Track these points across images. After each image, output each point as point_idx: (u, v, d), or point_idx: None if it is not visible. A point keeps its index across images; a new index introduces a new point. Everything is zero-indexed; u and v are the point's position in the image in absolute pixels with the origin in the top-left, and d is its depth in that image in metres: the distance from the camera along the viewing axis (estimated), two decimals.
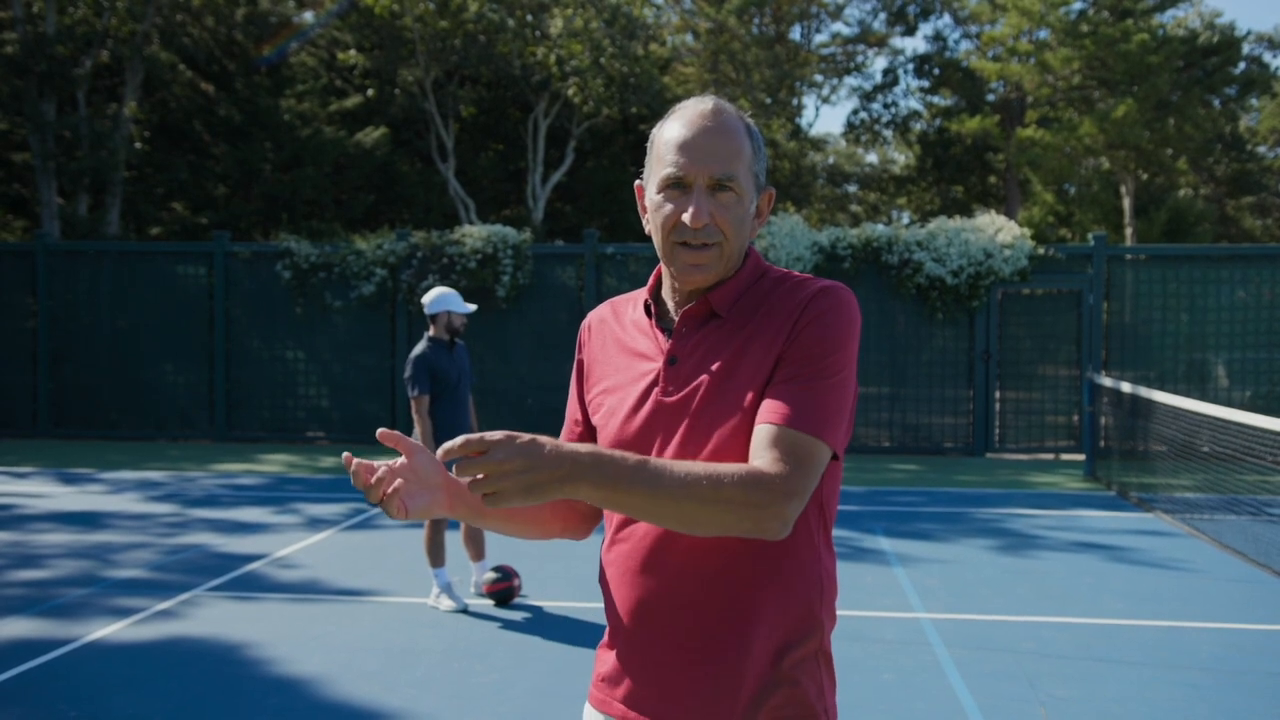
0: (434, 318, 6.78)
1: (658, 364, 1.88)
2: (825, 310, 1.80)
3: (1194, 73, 26.52)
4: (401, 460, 1.78)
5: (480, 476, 1.55)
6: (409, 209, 25.05)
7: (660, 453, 1.82)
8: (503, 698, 5.03)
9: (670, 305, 1.94)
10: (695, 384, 1.83)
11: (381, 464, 1.76)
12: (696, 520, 1.65)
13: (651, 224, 1.89)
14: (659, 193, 1.86)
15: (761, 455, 1.70)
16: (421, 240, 14.88)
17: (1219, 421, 8.87)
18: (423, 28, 22.38)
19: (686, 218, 1.81)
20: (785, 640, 1.81)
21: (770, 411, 1.73)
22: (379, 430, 1.74)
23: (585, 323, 2.08)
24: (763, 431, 1.72)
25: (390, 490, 1.74)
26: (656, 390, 1.86)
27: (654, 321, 1.94)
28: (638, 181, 1.96)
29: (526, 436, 1.58)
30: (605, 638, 1.96)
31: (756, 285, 1.89)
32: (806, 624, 1.83)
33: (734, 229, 1.84)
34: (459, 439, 1.55)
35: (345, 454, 1.75)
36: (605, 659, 1.94)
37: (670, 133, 1.86)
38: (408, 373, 6.64)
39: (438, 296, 6.81)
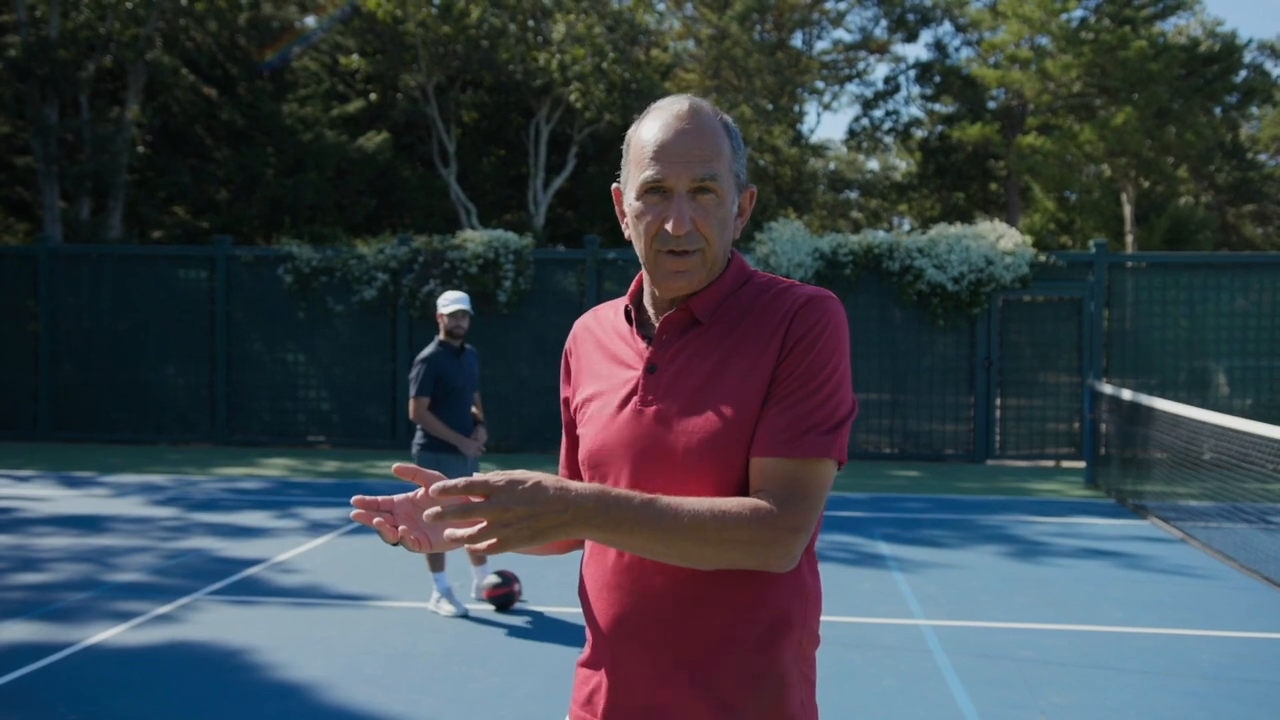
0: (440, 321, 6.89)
1: (637, 372, 1.84)
2: (813, 325, 1.77)
3: (1195, 80, 26.52)
4: (419, 492, 1.78)
5: (483, 524, 1.53)
6: (410, 214, 25.08)
7: (639, 461, 1.79)
8: (502, 703, 5.03)
9: (651, 311, 1.90)
10: (674, 393, 1.79)
11: (383, 498, 1.75)
12: (703, 558, 1.65)
13: (633, 231, 1.85)
14: (638, 199, 1.81)
15: (764, 489, 1.70)
16: (423, 245, 14.90)
17: (1220, 429, 8.87)
18: (425, 33, 22.41)
19: (669, 226, 1.77)
20: (767, 654, 1.77)
21: (769, 442, 1.72)
22: (395, 466, 1.70)
23: (572, 332, 2.04)
24: (763, 465, 1.72)
25: (400, 530, 1.72)
26: (635, 399, 1.82)
27: (634, 328, 1.90)
28: (615, 185, 1.92)
29: (530, 480, 1.55)
30: (585, 654, 1.90)
31: (740, 291, 1.85)
32: (788, 637, 1.79)
33: (716, 233, 1.80)
34: (460, 480, 1.52)
35: (354, 499, 1.73)
36: (584, 677, 1.89)
37: (647, 135, 1.81)
38: (412, 373, 6.69)
39: (439, 300, 6.90)
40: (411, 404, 6.65)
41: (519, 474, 1.55)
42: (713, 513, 1.63)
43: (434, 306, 14.62)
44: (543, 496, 1.54)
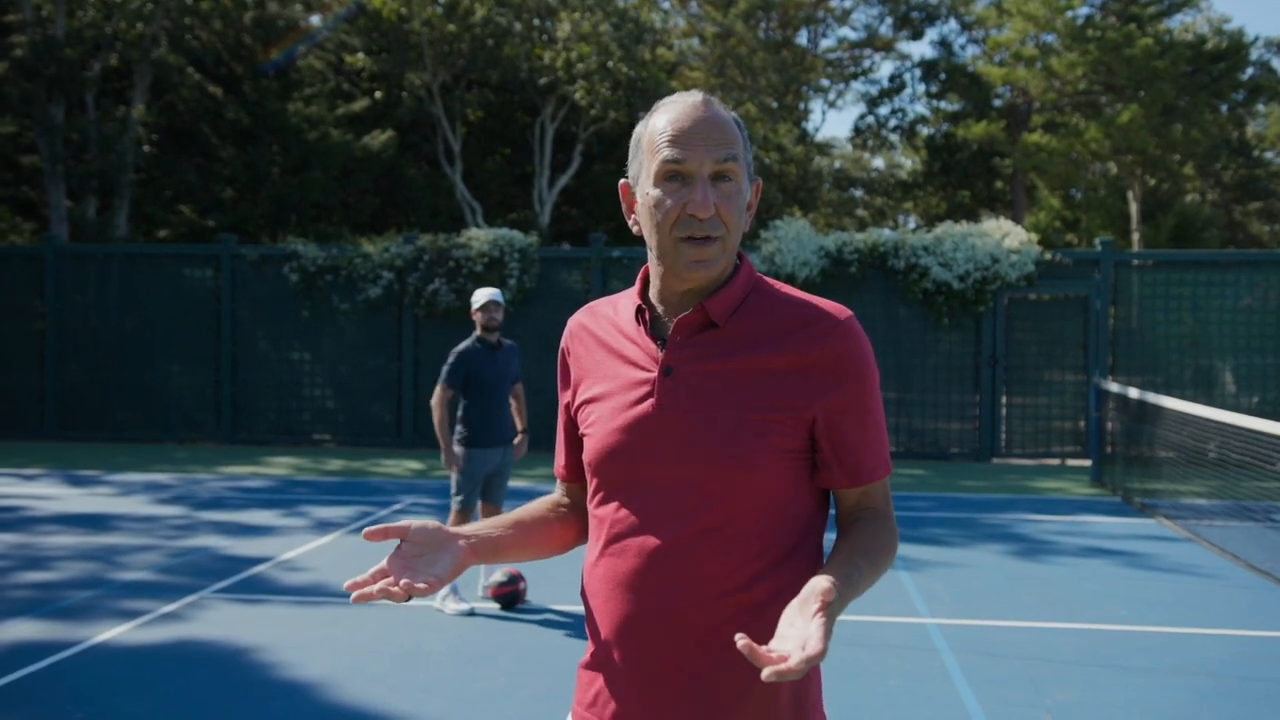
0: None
1: (650, 373, 1.81)
2: (860, 351, 1.80)
3: (1201, 78, 26.45)
4: (403, 544, 1.72)
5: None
6: (416, 212, 25.09)
7: (654, 464, 1.78)
8: (508, 702, 5.04)
9: (660, 309, 1.86)
10: (693, 396, 1.77)
11: (372, 573, 1.68)
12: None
13: (646, 222, 1.81)
14: (656, 185, 1.78)
15: (874, 509, 1.88)
16: (428, 243, 14.91)
17: (1226, 427, 8.86)
18: (430, 32, 22.43)
19: (693, 208, 1.74)
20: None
21: (868, 470, 1.85)
22: (365, 531, 1.67)
23: (566, 331, 2.00)
24: (868, 490, 1.87)
25: (396, 585, 1.64)
26: (651, 401, 1.79)
27: (644, 328, 1.86)
28: (623, 180, 1.88)
29: (825, 627, 1.53)
30: (587, 656, 1.88)
31: (752, 296, 1.83)
32: None
33: (735, 221, 1.78)
34: (799, 658, 1.48)
35: (349, 584, 1.67)
36: (588, 679, 1.87)
37: (662, 123, 1.79)
38: (446, 362, 6.87)
39: (472, 299, 7.10)
40: (436, 390, 6.84)
41: (818, 641, 1.52)
42: (882, 558, 1.81)
43: (439, 305, 14.66)
44: (831, 628, 1.56)
